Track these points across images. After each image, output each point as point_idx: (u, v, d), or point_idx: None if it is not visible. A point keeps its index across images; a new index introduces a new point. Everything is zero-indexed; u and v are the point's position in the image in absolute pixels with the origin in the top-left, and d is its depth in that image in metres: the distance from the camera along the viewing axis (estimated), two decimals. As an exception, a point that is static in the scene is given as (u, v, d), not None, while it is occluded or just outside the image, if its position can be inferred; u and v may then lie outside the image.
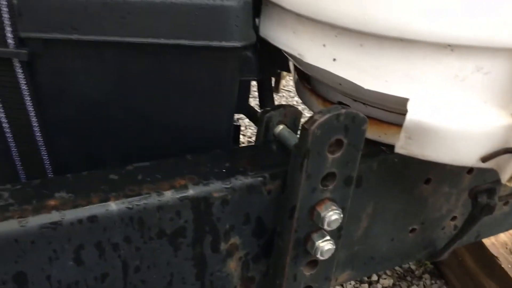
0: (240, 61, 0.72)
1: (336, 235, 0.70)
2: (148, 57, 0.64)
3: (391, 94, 0.64)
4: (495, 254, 1.52)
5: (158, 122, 0.70)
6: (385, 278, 1.82)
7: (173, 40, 0.63)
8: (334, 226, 0.66)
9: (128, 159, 0.67)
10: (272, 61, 0.83)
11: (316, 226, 0.67)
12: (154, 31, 0.62)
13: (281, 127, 0.74)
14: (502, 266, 1.48)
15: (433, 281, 1.80)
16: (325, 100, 0.81)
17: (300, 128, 0.66)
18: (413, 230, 0.88)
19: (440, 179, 0.83)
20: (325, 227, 0.66)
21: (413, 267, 1.87)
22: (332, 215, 0.65)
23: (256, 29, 0.74)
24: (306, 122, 0.62)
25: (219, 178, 0.64)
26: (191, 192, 0.62)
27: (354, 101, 0.78)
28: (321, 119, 0.61)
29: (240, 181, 0.65)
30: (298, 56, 0.70)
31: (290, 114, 0.75)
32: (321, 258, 0.68)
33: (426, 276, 1.83)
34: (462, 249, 1.66)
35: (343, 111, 0.61)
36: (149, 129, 0.70)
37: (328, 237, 0.68)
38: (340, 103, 0.80)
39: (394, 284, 1.80)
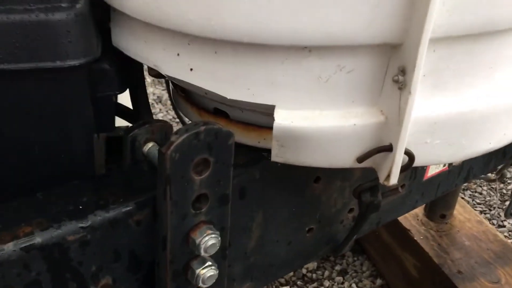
0: (91, 77, 0.63)
1: (220, 256, 0.65)
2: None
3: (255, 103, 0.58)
4: (408, 226, 1.56)
5: (1, 156, 0.60)
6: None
7: (-3, 65, 0.53)
8: (212, 251, 0.60)
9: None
10: (136, 70, 0.75)
11: (194, 253, 0.61)
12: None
13: (150, 145, 0.67)
14: (415, 238, 1.52)
15: (355, 258, 1.82)
16: (200, 108, 0.75)
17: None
18: (310, 229, 0.85)
19: (330, 176, 0.80)
20: (203, 253, 0.60)
21: (335, 246, 1.89)
22: (208, 241, 0.60)
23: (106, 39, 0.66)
24: (162, 146, 0.56)
25: (74, 218, 0.56)
26: (38, 240, 0.54)
27: (230, 107, 0.72)
28: (178, 140, 0.54)
29: (100, 217, 0.58)
30: (154, 67, 0.62)
31: (158, 130, 0.68)
32: (204, 286, 0.62)
33: (349, 253, 1.85)
34: (378, 224, 1.69)
35: (202, 128, 0.55)
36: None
37: (209, 263, 0.62)
38: (216, 110, 0.74)
39: (318, 266, 1.80)
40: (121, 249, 0.61)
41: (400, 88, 0.53)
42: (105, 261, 0.60)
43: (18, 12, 0.53)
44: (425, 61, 0.53)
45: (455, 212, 1.60)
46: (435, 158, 0.62)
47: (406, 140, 0.55)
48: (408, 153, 0.58)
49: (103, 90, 0.68)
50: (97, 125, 0.71)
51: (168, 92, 0.87)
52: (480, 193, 2.17)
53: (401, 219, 1.59)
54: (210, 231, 0.60)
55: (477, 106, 0.60)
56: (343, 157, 0.61)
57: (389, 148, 0.57)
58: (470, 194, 2.16)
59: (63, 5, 0.54)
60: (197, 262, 0.62)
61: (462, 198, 2.09)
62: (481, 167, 1.15)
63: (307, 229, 0.84)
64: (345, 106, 0.58)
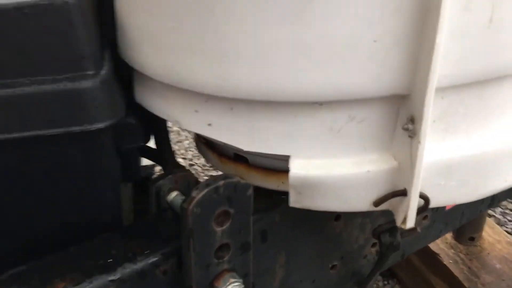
0: (116, 132, 0.67)
1: (245, 301, 0.67)
2: (4, 151, 0.59)
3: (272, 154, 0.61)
4: (436, 250, 1.54)
5: (35, 214, 0.64)
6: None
7: (28, 132, 0.58)
8: (236, 298, 0.63)
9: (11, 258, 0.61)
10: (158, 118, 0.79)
11: (219, 300, 0.64)
12: (4, 126, 0.57)
13: (174, 194, 0.70)
14: (444, 262, 1.50)
15: (385, 282, 1.80)
16: (221, 154, 0.78)
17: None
18: (334, 266, 0.86)
19: (350, 214, 0.82)
20: (227, 301, 0.62)
21: (364, 270, 1.88)
22: (232, 288, 0.62)
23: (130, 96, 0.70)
24: (184, 201, 0.59)
25: (104, 271, 0.59)
26: (72, 295, 0.57)
27: (249, 153, 0.75)
28: (198, 196, 0.57)
29: (129, 269, 0.60)
30: (175, 122, 0.66)
31: (182, 180, 0.71)
32: (231, 331, 0.64)
33: (379, 277, 1.84)
34: (407, 248, 1.67)
35: (221, 182, 0.58)
36: (26, 223, 0.65)
37: (233, 309, 0.64)
38: (236, 155, 0.77)
39: (348, 291, 1.79)
40: (150, 298, 0.64)
41: (410, 136, 0.54)
42: (135, 311, 0.63)
43: (48, 82, 0.57)
44: (434, 108, 0.54)
45: (484, 233, 1.58)
46: (450, 199, 0.63)
47: (419, 185, 0.57)
48: (422, 196, 0.59)
49: (129, 142, 0.71)
50: (124, 174, 0.75)
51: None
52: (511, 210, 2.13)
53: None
54: (233, 280, 0.62)
55: (490, 147, 0.61)
56: (359, 201, 0.62)
57: (403, 193, 0.58)
58: (501, 212, 2.12)
59: (88, 73, 0.58)
60: (222, 308, 0.64)
61: (493, 215, 2.06)
62: (506, 192, 1.14)
63: (330, 266, 0.86)
64: (358, 154, 0.60)
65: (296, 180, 0.61)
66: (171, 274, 0.64)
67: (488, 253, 1.52)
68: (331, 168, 0.60)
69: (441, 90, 0.55)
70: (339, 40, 0.50)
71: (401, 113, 0.57)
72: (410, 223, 0.60)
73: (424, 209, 0.62)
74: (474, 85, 0.57)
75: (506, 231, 1.96)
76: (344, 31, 0.50)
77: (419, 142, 0.54)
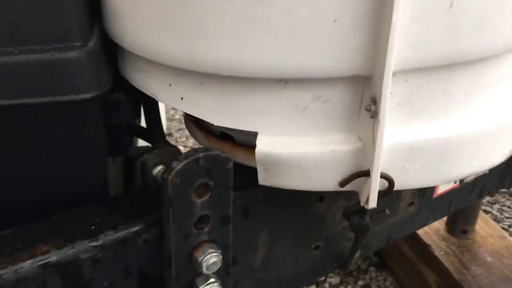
0: (105, 106, 0.69)
1: (225, 273, 0.69)
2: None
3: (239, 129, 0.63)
4: (428, 242, 1.55)
5: (21, 182, 0.66)
6: (331, 277, 1.84)
7: (16, 100, 0.59)
8: (214, 269, 0.64)
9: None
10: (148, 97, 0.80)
11: (197, 271, 0.65)
12: (-7, 94, 0.58)
13: (159, 168, 0.72)
14: (435, 254, 1.51)
15: (378, 273, 1.82)
16: (208, 132, 0.79)
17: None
18: (317, 247, 0.88)
19: (334, 195, 0.83)
20: (205, 271, 0.64)
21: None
22: (210, 259, 0.64)
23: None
24: (164, 171, 0.60)
25: (86, 237, 0.62)
26: (54, 258, 0.59)
27: (235, 131, 0.76)
28: (178, 166, 0.59)
29: (110, 236, 0.62)
30: (151, 95, 0.67)
31: (167, 154, 0.73)
32: (208, 301, 0.66)
33: (372, 268, 1.85)
34: (400, 239, 1.68)
35: (201, 154, 0.60)
36: (12, 190, 0.67)
37: (212, 280, 0.66)
38: (222, 134, 0.78)
39: (341, 281, 1.81)
40: (131, 266, 0.66)
41: (372, 117, 0.56)
42: (116, 277, 0.65)
43: (36, 52, 0.59)
44: (398, 91, 0.56)
45: (477, 227, 1.59)
46: (415, 182, 0.64)
47: (380, 166, 0.58)
48: (386, 178, 0.61)
49: (117, 118, 0.73)
50: (112, 149, 0.77)
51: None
52: (509, 207, 2.13)
53: (422, 234, 1.59)
54: (211, 250, 0.64)
55: (454, 132, 0.62)
56: (325, 181, 0.64)
57: (367, 173, 0.59)
58: (498, 208, 2.12)
59: (76, 44, 0.60)
60: (201, 279, 0.66)
61: (490, 212, 2.06)
62: (496, 183, 1.15)
63: (313, 246, 0.87)
64: (324, 133, 0.61)
65: (263, 156, 0.63)
66: (153, 243, 0.66)
67: (480, 246, 1.53)
68: (297, 146, 0.62)
69: (404, 73, 0.56)
70: (300, 19, 0.52)
71: (365, 94, 0.58)
72: (373, 203, 0.62)
73: (389, 190, 0.63)
74: (437, 70, 0.58)
75: (503, 228, 1.97)
76: (305, 10, 0.51)
77: (379, 122, 0.55)
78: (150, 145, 0.97)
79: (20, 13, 0.57)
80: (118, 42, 0.66)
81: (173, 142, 2.60)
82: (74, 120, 0.64)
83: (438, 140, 0.61)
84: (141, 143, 1.11)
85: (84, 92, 0.61)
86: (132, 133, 0.91)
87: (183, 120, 2.71)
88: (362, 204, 0.62)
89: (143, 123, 0.94)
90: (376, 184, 0.59)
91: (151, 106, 0.87)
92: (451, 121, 0.61)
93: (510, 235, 1.70)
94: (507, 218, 2.08)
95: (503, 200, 2.16)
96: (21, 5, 0.57)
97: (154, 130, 0.88)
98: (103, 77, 0.64)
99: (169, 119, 2.83)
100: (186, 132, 2.68)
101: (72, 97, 0.61)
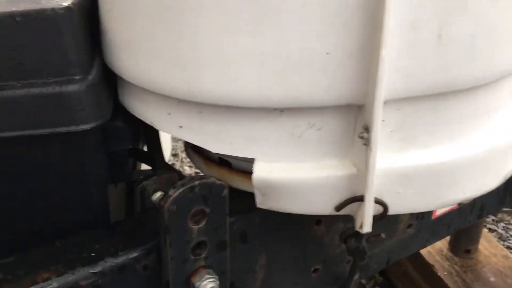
0: (105, 134, 0.71)
1: (222, 298, 0.70)
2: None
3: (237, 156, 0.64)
4: (432, 262, 1.55)
5: (23, 209, 0.68)
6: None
7: (18, 132, 0.62)
8: (212, 294, 0.65)
9: None
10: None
11: (195, 295, 0.67)
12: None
13: (158, 194, 0.74)
14: (438, 274, 1.51)
15: (383, 293, 1.81)
16: (206, 158, 0.81)
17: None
18: (316, 270, 0.88)
19: (331, 218, 0.84)
20: (202, 296, 0.65)
21: (363, 281, 1.88)
22: (207, 284, 0.65)
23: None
24: (161, 199, 0.62)
25: (86, 264, 0.63)
26: (54, 285, 0.60)
27: (232, 157, 0.78)
28: (174, 194, 0.60)
29: (110, 263, 0.64)
30: (150, 123, 0.70)
31: (166, 181, 0.75)
32: (206, 326, 0.67)
33: (376, 288, 1.85)
34: (404, 259, 1.68)
35: (197, 182, 0.61)
36: (13, 217, 0.69)
37: (209, 305, 0.67)
38: (221, 160, 0.80)
39: (346, 302, 1.80)
40: (130, 292, 0.67)
41: (365, 144, 0.57)
42: (115, 303, 0.66)
43: (38, 85, 0.61)
44: (390, 118, 0.57)
45: (480, 247, 1.59)
46: (410, 207, 0.66)
47: (374, 191, 0.59)
48: (380, 202, 0.62)
49: (117, 145, 0.75)
50: (113, 175, 0.79)
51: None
52: (514, 225, 2.12)
53: (425, 254, 1.59)
54: (208, 276, 0.65)
55: (447, 158, 0.63)
56: (321, 205, 0.65)
57: (361, 198, 0.61)
58: (503, 226, 2.11)
59: (76, 77, 0.62)
60: (198, 304, 0.67)
61: (495, 230, 2.05)
62: (495, 203, 1.16)
63: (312, 269, 0.88)
64: (319, 159, 0.63)
65: (259, 182, 0.64)
66: (152, 269, 0.67)
67: (483, 266, 1.53)
68: (292, 172, 0.63)
69: (396, 101, 0.58)
70: (292, 52, 0.54)
71: (358, 122, 0.60)
72: (367, 228, 0.63)
73: (383, 215, 0.65)
74: (428, 98, 0.60)
75: (508, 246, 1.96)
76: (297, 43, 0.53)
77: (371, 149, 0.57)
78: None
79: (21, 48, 0.60)
80: (117, 73, 0.69)
81: (178, 162, 2.62)
82: (75, 149, 0.66)
83: (431, 166, 0.62)
84: (145, 166, 1.13)
85: (84, 123, 0.63)
86: (134, 157, 0.93)
87: (187, 141, 2.73)
88: (356, 228, 0.63)
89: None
90: (370, 209, 0.60)
91: (151, 131, 0.90)
92: (444, 147, 0.63)
93: (515, 254, 1.69)
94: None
95: (508, 218, 2.15)
96: (22, 41, 0.59)
97: (154, 154, 0.91)
98: (103, 107, 0.67)
99: (174, 140, 2.86)
100: (191, 153, 2.70)
101: (72, 128, 0.63)
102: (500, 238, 2.04)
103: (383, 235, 0.81)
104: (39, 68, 0.61)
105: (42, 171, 0.66)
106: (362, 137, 0.58)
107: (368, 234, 0.72)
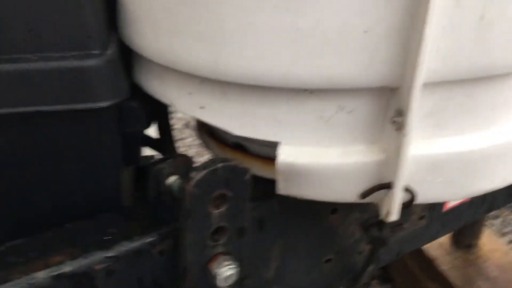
0: (120, 114, 0.68)
1: (239, 286, 0.68)
2: (9, 126, 0.60)
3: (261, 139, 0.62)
4: (433, 256, 1.54)
5: (35, 190, 0.65)
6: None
7: (33, 107, 0.59)
8: (230, 281, 0.63)
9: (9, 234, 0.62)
10: (161, 103, 0.80)
11: (213, 283, 0.64)
12: (9, 100, 0.58)
13: (172, 178, 0.71)
14: (440, 268, 1.50)
15: (382, 286, 1.80)
16: (221, 142, 0.79)
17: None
18: (328, 260, 0.87)
19: (347, 208, 0.82)
20: (220, 284, 0.63)
21: (361, 274, 1.87)
22: (225, 271, 0.63)
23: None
24: (183, 181, 0.59)
25: (101, 248, 0.61)
26: (68, 268, 0.58)
27: (248, 141, 0.76)
28: (197, 176, 0.58)
29: (125, 247, 0.61)
30: (169, 104, 0.67)
31: (181, 164, 0.72)
32: (223, 314, 0.65)
33: (375, 281, 1.84)
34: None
35: (220, 165, 0.59)
36: (26, 198, 0.66)
37: (227, 293, 0.65)
38: (236, 144, 0.77)
39: (344, 294, 1.79)
40: (145, 278, 0.64)
41: (397, 129, 0.55)
42: (130, 289, 0.64)
43: (55, 59, 0.58)
44: (424, 103, 0.55)
45: (481, 241, 1.58)
46: (437, 196, 0.64)
47: (404, 179, 0.57)
48: (409, 190, 0.60)
49: (131, 126, 0.72)
50: (126, 158, 0.76)
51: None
52: (512, 221, 2.13)
53: (427, 248, 1.58)
54: (227, 262, 0.63)
55: (478, 147, 0.61)
56: (346, 192, 0.63)
57: (389, 186, 0.59)
58: (501, 222, 2.12)
59: (94, 52, 0.59)
60: (215, 291, 0.65)
61: (493, 225, 2.06)
62: (505, 197, 1.15)
63: (325, 259, 0.86)
64: (347, 144, 0.60)
65: (284, 166, 0.62)
66: (168, 254, 0.65)
67: (485, 261, 1.52)
68: (319, 157, 0.61)
69: (431, 85, 0.56)
70: (330, 29, 0.51)
71: (390, 106, 0.58)
72: (394, 216, 0.61)
73: (409, 203, 0.63)
74: (465, 83, 0.58)
75: (506, 242, 1.97)
76: (336, 20, 0.51)
77: (405, 135, 0.55)
78: (156, 155, 0.96)
79: (40, 20, 0.57)
80: (135, 49, 0.66)
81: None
82: (90, 128, 0.64)
83: (461, 154, 0.61)
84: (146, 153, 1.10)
85: (102, 100, 0.61)
86: (144, 142, 0.90)
87: (183, 130, 2.71)
88: (382, 216, 0.61)
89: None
90: (398, 197, 0.59)
91: (163, 115, 0.87)
92: (475, 135, 0.61)
93: (512, 249, 1.69)
94: (510, 232, 2.08)
95: (505, 214, 2.15)
96: (42, 13, 0.56)
97: (167, 140, 0.88)
98: (121, 85, 0.64)
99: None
100: (186, 142, 2.67)
101: (89, 105, 0.60)
102: (498, 232, 2.04)
103: (405, 225, 0.79)
104: (57, 41, 0.58)
105: (56, 150, 0.63)
106: (394, 122, 0.55)
107: (390, 223, 0.71)
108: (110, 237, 0.62)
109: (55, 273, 0.57)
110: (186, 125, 2.70)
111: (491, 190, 0.68)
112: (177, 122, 2.85)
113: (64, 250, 0.60)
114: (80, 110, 0.60)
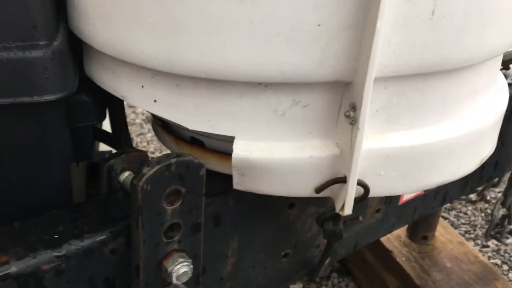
0: (69, 109, 0.66)
1: (194, 282, 0.67)
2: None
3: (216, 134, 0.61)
4: (390, 248, 1.58)
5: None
6: (294, 283, 1.84)
7: (-26, 101, 0.56)
8: (184, 279, 0.62)
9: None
10: (114, 97, 0.77)
11: (167, 281, 0.63)
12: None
13: (126, 174, 0.69)
14: (397, 260, 1.53)
15: (340, 279, 1.83)
16: (177, 137, 0.77)
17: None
18: (286, 254, 0.87)
19: (304, 202, 0.82)
20: (175, 281, 0.62)
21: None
22: (180, 269, 0.61)
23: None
24: (134, 177, 0.58)
25: (49, 247, 0.58)
26: (13, 269, 0.55)
27: (205, 136, 0.75)
28: (149, 172, 0.56)
29: (75, 246, 0.59)
30: (121, 97, 0.65)
31: (135, 159, 0.70)
32: (177, 312, 0.64)
33: (334, 275, 1.86)
34: (362, 245, 1.70)
35: (173, 160, 0.57)
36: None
37: (181, 290, 0.64)
38: (192, 139, 0.76)
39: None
40: (96, 277, 0.62)
41: (351, 123, 0.55)
42: (80, 289, 0.62)
43: (-3, 50, 0.55)
44: (377, 98, 0.56)
45: (437, 233, 1.63)
46: (390, 190, 0.65)
47: (357, 173, 0.58)
48: (362, 184, 0.61)
49: (82, 120, 0.70)
50: (76, 154, 0.74)
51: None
52: (465, 213, 2.19)
53: (384, 240, 1.61)
54: (182, 259, 0.62)
55: (430, 141, 0.62)
56: (301, 187, 0.63)
57: (343, 180, 0.59)
58: (455, 214, 2.18)
59: (40, 43, 0.57)
60: (170, 289, 0.64)
61: (447, 218, 2.12)
62: (457, 190, 1.18)
63: (283, 254, 0.86)
64: (302, 139, 0.60)
65: (239, 161, 0.61)
66: (120, 253, 0.63)
67: (440, 252, 1.57)
68: (274, 151, 0.61)
69: (384, 80, 0.56)
70: (284, 21, 0.51)
71: (344, 101, 0.58)
72: (348, 210, 0.61)
73: (364, 197, 0.63)
74: (417, 77, 0.59)
75: (459, 234, 2.03)
76: (289, 12, 0.50)
77: (358, 129, 0.55)
78: (112, 150, 0.94)
79: (-21, 8, 0.54)
80: (85, 40, 0.63)
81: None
82: (37, 122, 0.61)
83: (413, 148, 0.61)
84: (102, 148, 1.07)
85: (49, 93, 0.58)
86: (96, 137, 0.87)
87: (143, 125, 2.66)
88: (337, 210, 0.62)
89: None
90: (352, 191, 0.59)
91: (118, 109, 0.84)
92: (427, 129, 0.62)
93: (466, 240, 1.75)
94: (463, 224, 2.14)
95: (459, 206, 2.22)
96: (-19, 0, 0.53)
97: (121, 135, 0.85)
98: (69, 78, 0.61)
99: (129, 123, 2.77)
100: (147, 137, 2.63)
101: (35, 98, 0.58)
102: (452, 225, 2.10)
103: (361, 218, 0.80)
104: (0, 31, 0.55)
105: (1, 146, 0.60)
106: (348, 116, 0.56)
107: (346, 217, 0.71)
108: (59, 236, 0.60)
109: (0, 274, 0.54)
110: (147, 120, 2.65)
111: (443, 183, 0.69)
112: (137, 116, 2.80)
113: (10, 249, 0.57)
114: (25, 103, 0.58)
